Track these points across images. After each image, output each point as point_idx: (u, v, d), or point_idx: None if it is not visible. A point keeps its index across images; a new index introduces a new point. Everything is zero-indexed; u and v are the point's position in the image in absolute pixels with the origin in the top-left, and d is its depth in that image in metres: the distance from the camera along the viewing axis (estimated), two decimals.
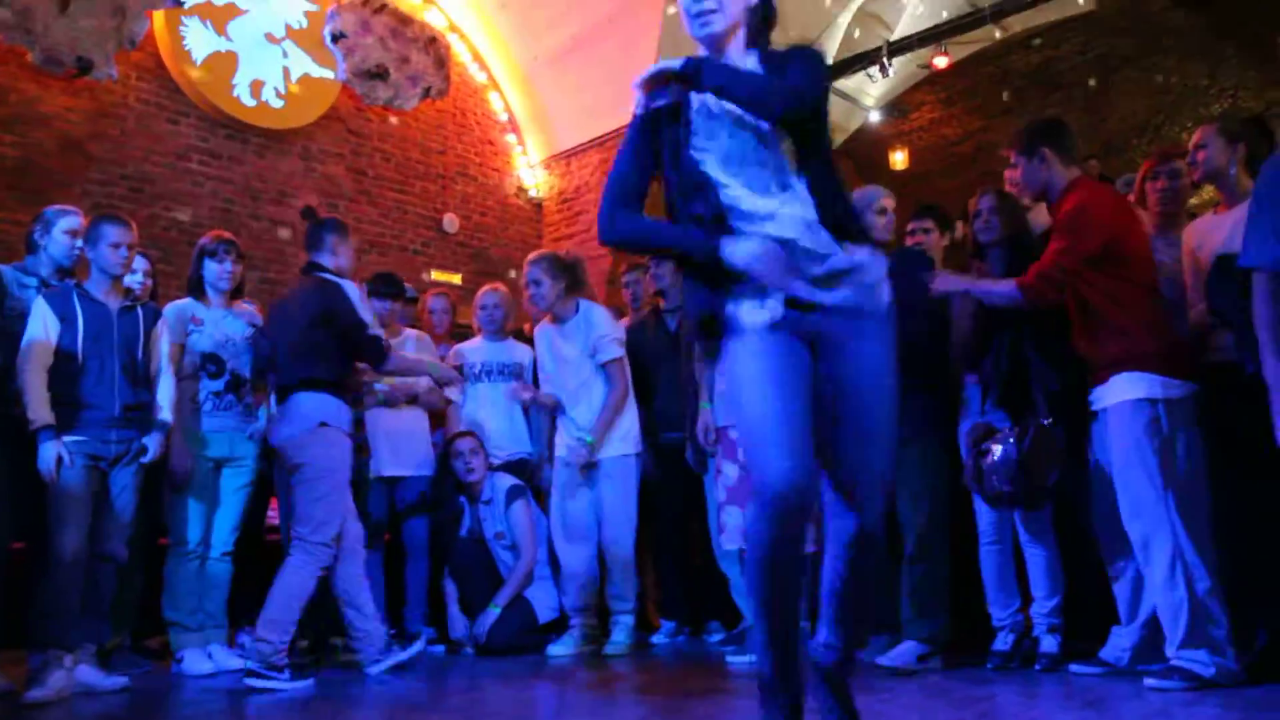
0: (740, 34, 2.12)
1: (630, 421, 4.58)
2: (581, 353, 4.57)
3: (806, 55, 2.08)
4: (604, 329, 4.57)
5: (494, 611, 4.41)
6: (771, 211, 2.00)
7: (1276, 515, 3.01)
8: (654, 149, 2.13)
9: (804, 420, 1.91)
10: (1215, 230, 3.23)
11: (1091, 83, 8.90)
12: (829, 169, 2.06)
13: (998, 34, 8.79)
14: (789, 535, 1.88)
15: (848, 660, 2.12)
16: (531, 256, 4.78)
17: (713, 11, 2.07)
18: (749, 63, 2.11)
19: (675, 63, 2.03)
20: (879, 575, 2.14)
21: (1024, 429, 3.26)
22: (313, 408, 3.85)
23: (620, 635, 4.43)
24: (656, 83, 2.06)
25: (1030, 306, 3.22)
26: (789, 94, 1.96)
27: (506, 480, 4.63)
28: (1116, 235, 3.14)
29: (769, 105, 1.96)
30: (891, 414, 2.01)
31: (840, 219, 2.02)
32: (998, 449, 3.30)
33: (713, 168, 2.05)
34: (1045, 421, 3.30)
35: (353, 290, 4.00)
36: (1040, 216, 3.86)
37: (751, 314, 2.00)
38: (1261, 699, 2.73)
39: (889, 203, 3.96)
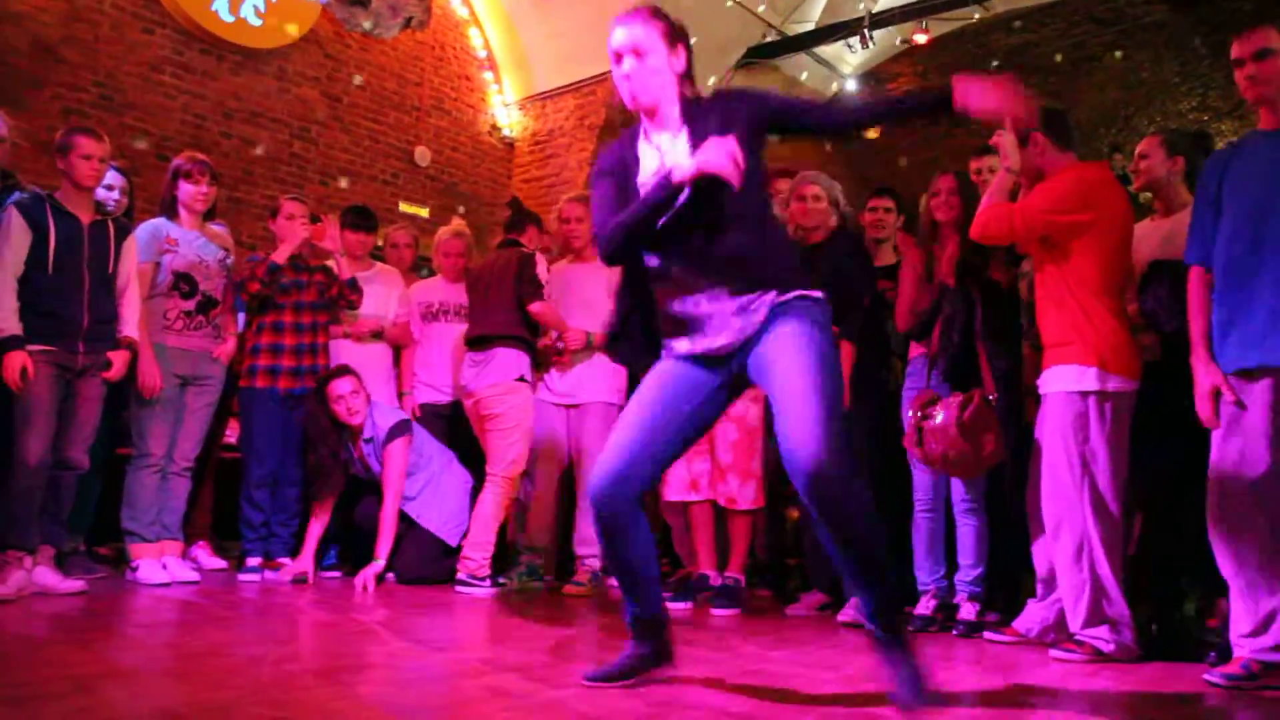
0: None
1: (620, 375, 4.66)
2: (604, 296, 4.60)
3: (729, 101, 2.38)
4: None
5: (378, 563, 4.31)
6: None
7: (1180, 510, 3.23)
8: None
9: (638, 450, 2.32)
10: (1150, 236, 3.39)
11: (1058, 58, 9.02)
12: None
13: (978, 15, 8.88)
14: (607, 515, 2.32)
15: (887, 622, 2.22)
16: (572, 195, 4.95)
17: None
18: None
19: None
20: (865, 525, 2.13)
21: (968, 398, 3.41)
22: (512, 364, 4.46)
23: (585, 579, 4.50)
24: None
25: (975, 233, 3.32)
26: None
27: (390, 416, 4.57)
28: (1093, 217, 3.16)
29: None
30: (813, 375, 2.15)
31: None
32: (940, 414, 3.44)
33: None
34: (990, 396, 3.48)
35: (541, 260, 4.58)
36: None
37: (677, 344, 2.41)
38: (1153, 674, 2.94)
39: (810, 190, 4.12)
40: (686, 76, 2.41)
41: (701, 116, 2.34)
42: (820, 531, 2.18)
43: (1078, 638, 3.12)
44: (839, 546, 2.16)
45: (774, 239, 2.40)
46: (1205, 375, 2.88)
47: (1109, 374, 3.11)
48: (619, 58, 2.37)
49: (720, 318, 2.31)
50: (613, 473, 2.30)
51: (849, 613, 3.75)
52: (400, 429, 4.49)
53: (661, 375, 2.41)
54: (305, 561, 4.39)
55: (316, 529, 4.48)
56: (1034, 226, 3.21)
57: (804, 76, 9.77)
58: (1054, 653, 3.14)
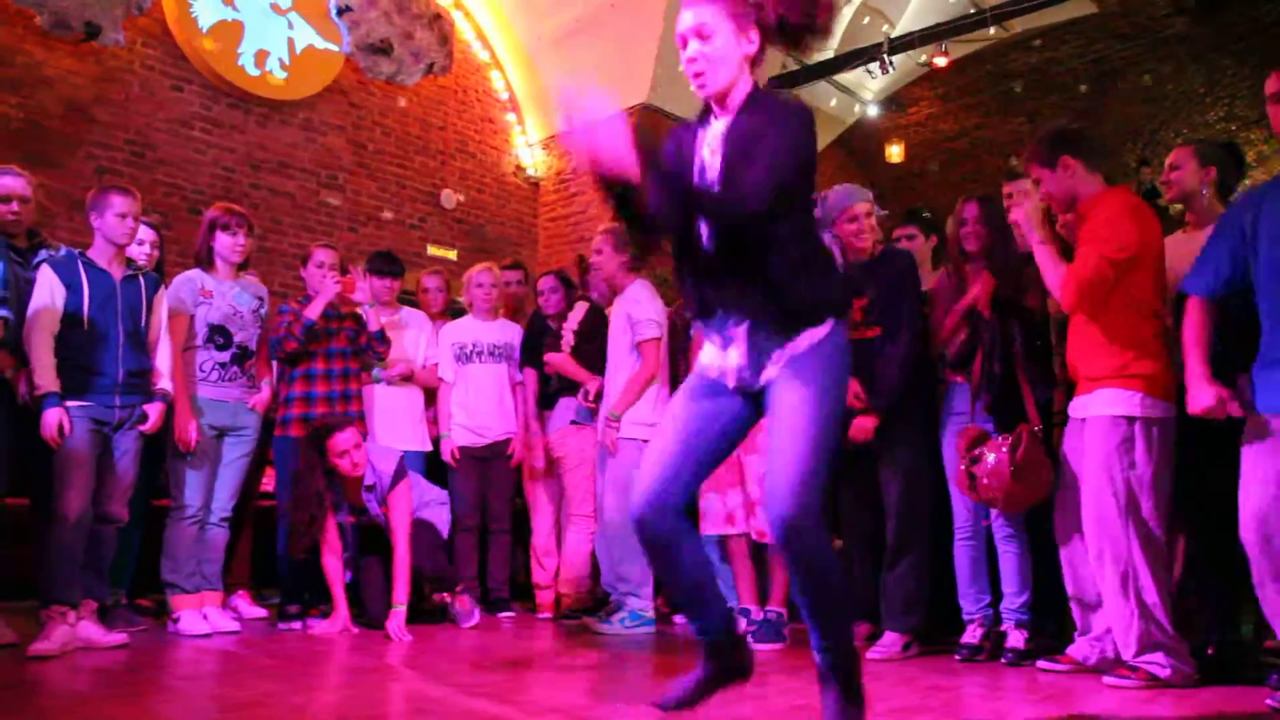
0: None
1: (645, 407, 4.51)
2: (621, 329, 4.59)
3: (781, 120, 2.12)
4: (644, 308, 4.55)
5: (400, 610, 4.15)
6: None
7: (1224, 531, 3.14)
8: None
9: (679, 462, 2.21)
10: (1184, 249, 3.29)
11: (1083, 89, 8.99)
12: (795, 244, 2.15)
13: (992, 32, 8.86)
14: (652, 535, 2.19)
15: (836, 657, 2.15)
16: (602, 227, 4.94)
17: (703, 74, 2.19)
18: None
19: None
20: (829, 569, 2.09)
21: (1017, 438, 3.33)
22: (564, 411, 4.89)
23: (622, 617, 4.39)
24: None
25: (1073, 307, 3.18)
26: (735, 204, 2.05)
27: (388, 459, 4.41)
28: (1143, 247, 3.10)
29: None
30: (801, 431, 2.08)
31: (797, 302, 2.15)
32: (990, 456, 3.36)
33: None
34: (1036, 429, 3.41)
35: (576, 311, 4.96)
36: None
37: (706, 356, 2.29)
38: (1212, 698, 2.86)
39: (863, 208, 3.89)
40: (758, 62, 2.22)
41: (750, 109, 2.17)
42: (791, 579, 2.16)
43: (1132, 664, 3.04)
44: (805, 595, 2.12)
45: (812, 267, 2.20)
46: (1205, 391, 2.80)
47: (1153, 399, 3.05)
48: (684, 41, 2.22)
49: (743, 351, 2.21)
50: (649, 493, 2.20)
51: (879, 650, 3.69)
52: (402, 472, 4.37)
53: (693, 390, 2.30)
54: (342, 618, 4.27)
55: (337, 580, 4.33)
56: (1119, 264, 3.08)
57: (833, 103, 9.76)
58: (1108, 680, 3.06)
